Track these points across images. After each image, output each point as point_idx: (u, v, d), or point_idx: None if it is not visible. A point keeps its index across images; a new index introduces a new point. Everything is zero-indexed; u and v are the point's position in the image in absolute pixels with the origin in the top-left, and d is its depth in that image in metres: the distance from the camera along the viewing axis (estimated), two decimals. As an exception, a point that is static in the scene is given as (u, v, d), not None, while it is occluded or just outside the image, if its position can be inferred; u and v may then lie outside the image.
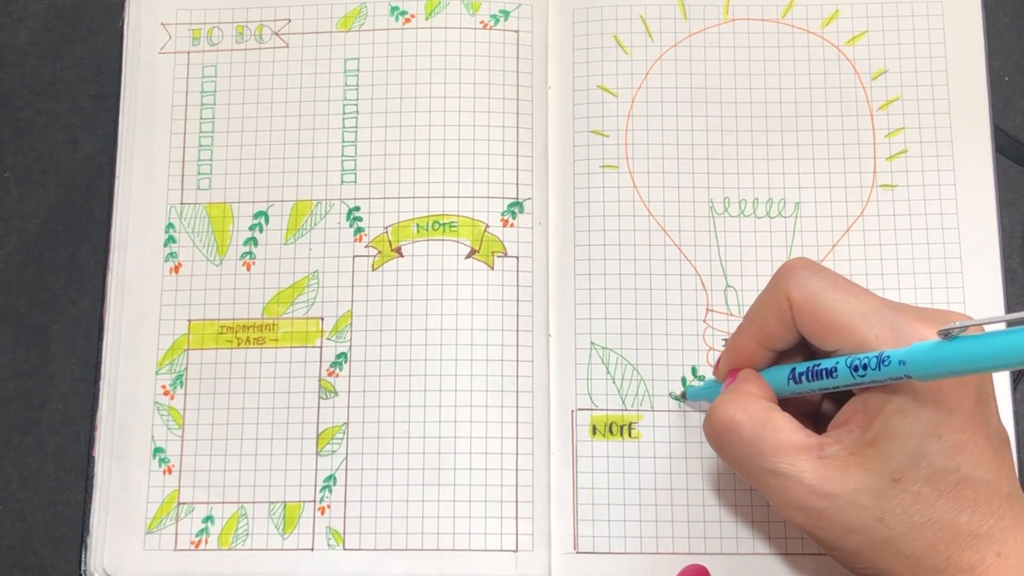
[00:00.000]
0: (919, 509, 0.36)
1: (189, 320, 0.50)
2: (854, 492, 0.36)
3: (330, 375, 0.49)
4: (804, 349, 0.41)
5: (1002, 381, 0.47)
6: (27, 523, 0.50)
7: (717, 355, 0.48)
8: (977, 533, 0.35)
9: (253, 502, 0.48)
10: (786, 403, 0.40)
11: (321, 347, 0.49)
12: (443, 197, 0.50)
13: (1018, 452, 0.47)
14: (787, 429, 0.38)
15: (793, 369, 0.39)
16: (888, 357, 0.34)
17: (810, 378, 0.38)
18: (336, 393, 0.49)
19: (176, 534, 0.48)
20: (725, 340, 0.48)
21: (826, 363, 0.37)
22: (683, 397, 0.48)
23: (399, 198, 0.50)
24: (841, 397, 0.39)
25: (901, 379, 0.34)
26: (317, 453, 0.48)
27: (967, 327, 0.32)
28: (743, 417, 0.38)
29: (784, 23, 0.51)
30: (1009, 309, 0.48)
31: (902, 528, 0.36)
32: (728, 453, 0.39)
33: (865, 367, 0.35)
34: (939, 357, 0.33)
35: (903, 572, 0.36)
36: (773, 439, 0.38)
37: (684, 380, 0.48)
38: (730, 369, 0.42)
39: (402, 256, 0.50)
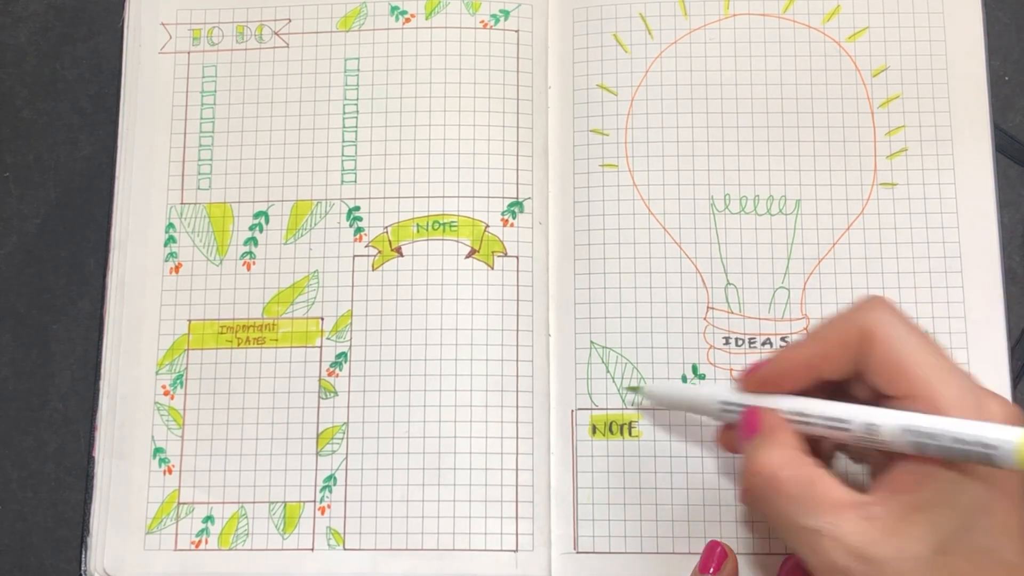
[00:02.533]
0: None
1: (189, 320, 0.50)
2: (895, 559, 0.35)
3: (330, 375, 0.49)
4: (827, 388, 0.39)
5: (1002, 380, 0.47)
6: (27, 523, 0.50)
7: (718, 353, 0.48)
8: None
9: (253, 502, 0.48)
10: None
11: (321, 347, 0.49)
12: (443, 197, 0.50)
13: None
14: (833, 487, 0.36)
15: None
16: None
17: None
18: (336, 393, 0.49)
19: (176, 534, 0.48)
20: (726, 338, 0.48)
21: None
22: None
23: (399, 198, 0.50)
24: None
25: (981, 458, 0.34)
26: (317, 453, 0.48)
27: None
28: (789, 474, 0.37)
29: (785, 18, 0.51)
30: (1009, 309, 0.48)
31: None
32: (769, 509, 0.38)
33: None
34: None
35: None
36: (819, 497, 0.36)
37: (684, 378, 0.48)
38: (768, 381, 0.40)
39: (402, 256, 0.50)
